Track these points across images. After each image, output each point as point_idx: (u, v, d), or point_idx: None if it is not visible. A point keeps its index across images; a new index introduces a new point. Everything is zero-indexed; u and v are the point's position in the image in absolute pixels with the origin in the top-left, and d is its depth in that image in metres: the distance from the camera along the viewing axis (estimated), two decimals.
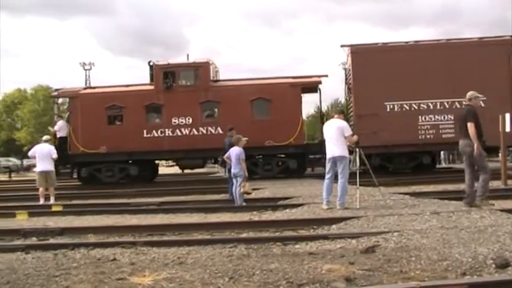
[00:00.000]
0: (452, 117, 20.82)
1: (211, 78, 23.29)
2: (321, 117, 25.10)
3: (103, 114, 23.06)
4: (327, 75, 23.89)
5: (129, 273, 6.68)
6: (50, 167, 17.16)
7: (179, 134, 22.58)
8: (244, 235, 9.52)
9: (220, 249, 8.00)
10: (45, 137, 17.80)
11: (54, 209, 15.02)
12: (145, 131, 22.60)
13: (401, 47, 22.67)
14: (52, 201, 16.68)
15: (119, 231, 10.41)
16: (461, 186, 15.76)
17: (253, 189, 15.51)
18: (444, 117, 21.50)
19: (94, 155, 22.85)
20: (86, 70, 57.50)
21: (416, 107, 21.71)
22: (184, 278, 6.28)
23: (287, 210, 12.62)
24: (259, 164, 22.80)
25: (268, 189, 17.76)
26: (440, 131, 21.61)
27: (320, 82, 23.65)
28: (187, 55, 24.27)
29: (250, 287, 5.85)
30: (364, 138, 19.76)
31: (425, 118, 21.63)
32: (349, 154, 12.36)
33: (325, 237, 8.53)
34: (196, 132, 22.56)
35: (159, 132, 22.78)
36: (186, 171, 28.34)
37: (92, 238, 9.90)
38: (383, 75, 21.49)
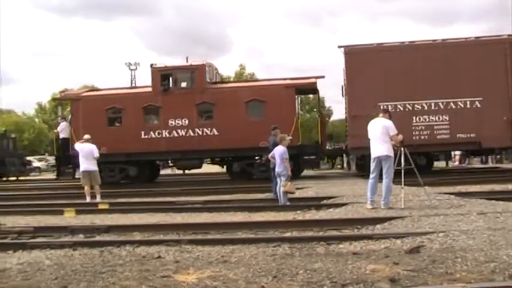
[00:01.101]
0: (448, 118, 20.67)
1: (208, 81, 23.51)
2: (320, 118, 25.19)
3: (103, 116, 23.59)
4: (323, 77, 24.07)
5: (173, 271, 6.75)
6: (92, 166, 17.39)
7: (176, 135, 22.93)
8: (288, 234, 9.52)
9: (264, 248, 8.02)
10: (86, 136, 17.98)
11: (100, 207, 15.24)
12: (143, 132, 23.06)
13: (395, 47, 22.41)
14: (98, 199, 16.93)
15: (163, 229, 10.52)
16: (510, 187, 15.55)
17: (297, 189, 15.50)
18: (439, 118, 21.17)
19: None
20: (131, 70, 58.23)
21: (410, 108, 21.45)
22: (228, 277, 6.32)
23: (331, 209, 12.59)
24: (255, 165, 22.95)
25: (312, 188, 17.72)
26: (435, 132, 21.29)
27: (314, 83, 23.77)
28: (187, 58, 24.49)
29: (294, 286, 5.85)
30: (357, 140, 20.24)
31: (419, 119, 21.35)
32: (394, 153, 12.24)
33: (369, 237, 8.49)
34: (192, 134, 22.88)
35: (156, 133, 23.19)
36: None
37: (137, 236, 10.02)
38: (377, 75, 21.38)
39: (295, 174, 21.91)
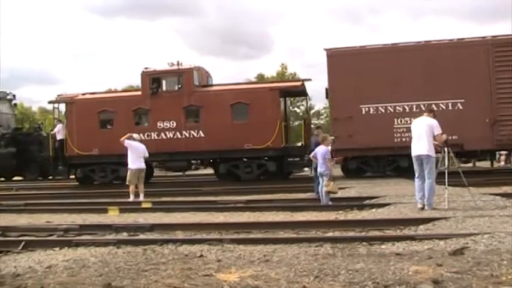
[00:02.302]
0: None
1: (197, 84, 23.93)
2: (307, 120, 25.43)
3: (95, 118, 24.22)
4: (310, 79, 24.32)
5: (215, 270, 6.80)
6: (144, 165, 17.68)
7: (164, 137, 23.37)
8: (329, 234, 9.49)
9: (306, 248, 8.02)
10: (135, 135, 18.26)
11: (144, 205, 15.43)
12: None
13: (377, 49, 22.24)
14: (142, 198, 17.13)
15: (206, 228, 10.60)
16: None
17: (340, 188, 15.43)
18: None
19: (87, 156, 24.12)
20: None
21: (392, 110, 21.25)
22: (269, 276, 6.33)
23: (373, 209, 12.52)
24: (240, 167, 23.14)
25: (355, 188, 17.61)
26: None
27: (298, 86, 23.95)
28: (178, 62, 24.84)
29: (336, 286, 5.84)
30: (339, 142, 20.92)
31: (401, 121, 21.11)
32: (437, 153, 12.09)
33: (412, 238, 8.41)
34: (180, 136, 23.30)
35: (145, 135, 23.36)
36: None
37: (180, 234, 10.12)
38: (359, 78, 21.23)
39: (280, 176, 22.76)
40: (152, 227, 10.82)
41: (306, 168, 24.93)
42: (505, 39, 20.98)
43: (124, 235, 10.35)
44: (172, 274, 6.67)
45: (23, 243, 9.59)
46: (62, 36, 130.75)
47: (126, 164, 22.42)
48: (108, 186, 23.42)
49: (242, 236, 9.64)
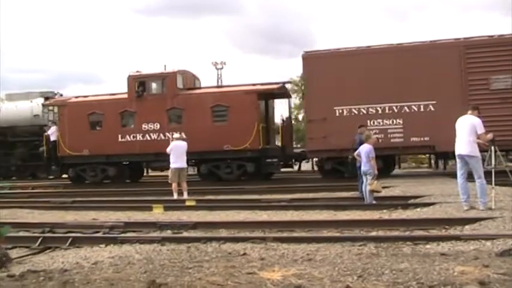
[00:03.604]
0: (401, 122, 20.62)
1: (181, 87, 24.56)
2: (286, 121, 25.54)
3: (86, 120, 25.21)
4: (290, 82, 25.29)
5: (258, 268, 6.82)
6: (185, 164, 17.84)
7: (149, 138, 24.24)
8: (373, 233, 9.44)
9: (349, 247, 7.98)
10: (176, 135, 18.46)
11: (187, 203, 15.55)
12: (120, 136, 24.51)
13: (351, 52, 22.22)
14: (185, 196, 17.26)
15: (249, 226, 10.62)
16: None
17: (384, 187, 15.30)
18: (393, 122, 21.04)
19: (78, 157, 25.19)
20: (217, 69, 58.93)
21: (365, 112, 21.26)
22: (312, 275, 6.32)
23: (418, 209, 12.39)
24: (221, 167, 23.55)
25: (399, 187, 17.43)
26: (389, 136, 21.10)
27: (275, 89, 24.26)
28: (165, 66, 26.26)
29: (379, 286, 5.79)
30: (314, 143, 21.68)
31: (373, 122, 21.15)
32: (482, 152, 11.85)
33: (457, 238, 8.29)
34: (163, 137, 23.89)
35: (131, 136, 24.54)
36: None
37: (223, 233, 10.18)
38: (333, 80, 21.46)
39: (258, 176, 23.07)
40: (196, 225, 10.90)
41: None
42: (477, 41, 20.95)
43: (168, 233, 10.47)
44: (216, 272, 6.71)
45: (70, 240, 9.81)
46: (106, 36, 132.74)
47: (107, 165, 24.15)
48: (153, 185, 23.72)
49: (285, 234, 9.64)
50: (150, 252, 8.33)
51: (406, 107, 20.82)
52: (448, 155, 22.54)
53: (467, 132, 11.61)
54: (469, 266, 6.42)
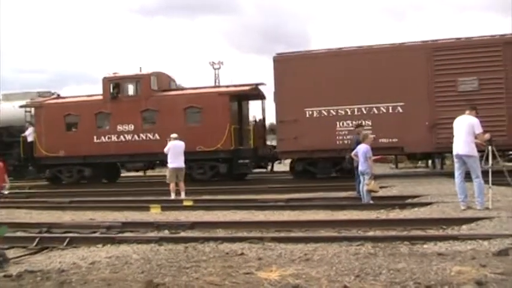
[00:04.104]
0: (370, 123, 20.73)
1: (156, 89, 24.86)
2: (259, 122, 26.00)
3: (62, 122, 25.56)
4: (264, 83, 25.21)
5: (256, 268, 6.82)
6: (182, 164, 17.82)
7: (123, 139, 24.54)
8: (371, 233, 9.44)
9: (347, 247, 7.99)
10: (173, 135, 18.44)
11: (185, 203, 15.55)
12: (95, 137, 24.85)
13: (321, 54, 22.44)
14: (183, 196, 17.25)
15: (247, 226, 10.63)
16: None
17: (381, 187, 15.32)
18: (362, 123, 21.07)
19: (54, 158, 25.51)
20: (215, 69, 58.97)
21: (334, 113, 21.50)
22: (310, 275, 6.33)
23: (415, 208, 12.39)
24: (194, 168, 23.51)
25: (396, 187, 17.46)
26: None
27: (246, 91, 24.56)
28: (140, 68, 26.53)
29: (377, 286, 5.80)
30: (285, 144, 21.95)
31: (343, 124, 21.41)
32: (480, 152, 11.86)
33: (455, 238, 8.30)
34: (137, 138, 24.39)
35: (106, 137, 24.90)
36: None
37: (221, 233, 10.19)
38: (303, 82, 21.63)
39: (229, 177, 23.35)
40: (193, 225, 10.91)
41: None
42: (444, 43, 21.15)
43: (166, 233, 10.48)
44: (213, 272, 6.72)
45: (67, 240, 9.82)
46: (104, 36, 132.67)
47: (83, 165, 24.48)
48: (150, 185, 23.75)
49: (283, 234, 9.64)
50: (148, 252, 8.33)
51: (374, 109, 21.01)
52: (416, 156, 23.05)
53: (465, 132, 11.61)
54: (466, 265, 6.43)
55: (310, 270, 6.54)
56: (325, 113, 21.57)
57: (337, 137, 21.38)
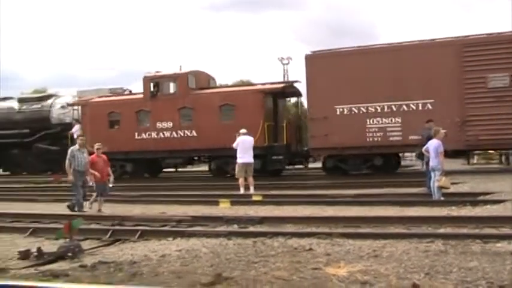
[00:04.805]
0: (400, 120, 20.74)
1: (194, 87, 25.47)
2: (291, 120, 26.31)
3: (105, 119, 26.73)
4: (299, 81, 25.53)
5: (324, 264, 6.82)
6: (251, 159, 17.94)
7: (162, 136, 25.26)
8: (441, 230, 9.27)
9: (417, 244, 7.88)
10: (242, 130, 18.61)
11: (254, 198, 15.65)
12: (136, 134, 25.57)
13: (351, 51, 22.63)
14: (252, 191, 17.36)
15: (315, 221, 10.62)
16: None
17: (452, 184, 15.00)
18: (391, 120, 21.24)
19: None
20: (283, 64, 58.96)
21: (364, 110, 21.60)
22: (379, 271, 6.29)
23: (487, 206, 12.11)
24: (230, 164, 23.49)
25: (468, 183, 17.09)
26: (388, 134, 21.26)
27: (279, 89, 24.94)
28: (180, 67, 27.17)
29: (447, 284, 5.71)
30: (316, 141, 22.32)
31: (373, 121, 21.42)
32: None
33: None
34: (175, 135, 25.07)
35: (146, 134, 25.69)
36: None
37: (289, 228, 10.20)
38: (334, 80, 21.87)
39: (263, 173, 23.25)
40: (262, 220, 10.97)
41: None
42: (474, 39, 20.83)
43: (235, 227, 10.57)
44: (281, 267, 6.75)
45: (139, 233, 10.03)
46: (174, 33, 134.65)
47: (125, 161, 25.02)
48: (220, 180, 24.02)
49: (351, 230, 9.58)
50: (217, 246, 8.44)
51: (404, 106, 21.01)
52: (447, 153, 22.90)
53: None
54: None
55: (378, 267, 6.49)
56: (355, 111, 21.74)
57: (367, 134, 21.55)
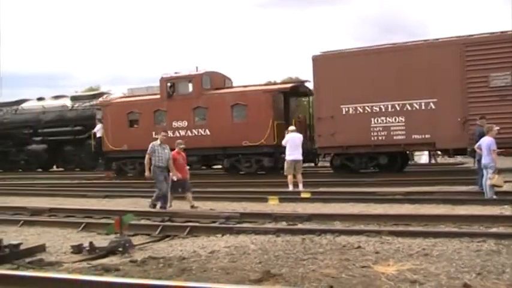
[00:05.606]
0: (403, 119, 20.94)
1: (208, 87, 25.99)
2: (300, 119, 26.04)
3: (125, 118, 27.54)
4: (309, 81, 25.25)
5: (373, 262, 6.78)
6: (300, 156, 17.92)
7: (178, 135, 25.31)
8: (494, 229, 9.11)
9: (468, 243, 7.76)
10: (291, 127, 18.68)
11: (302, 195, 15.64)
12: (154, 133, 25.29)
13: (356, 52, 22.87)
14: (301, 188, 17.33)
15: (364, 219, 10.56)
16: None
17: (505, 182, 14.68)
18: (395, 120, 21.17)
19: (119, 152, 27.47)
20: None
21: (369, 110, 21.69)
22: (428, 270, 6.22)
23: None
24: (241, 162, 25.15)
25: None
26: (392, 133, 21.20)
27: (288, 88, 25.45)
28: (196, 67, 27.49)
29: (500, 285, 5.61)
30: (323, 140, 22.55)
31: (377, 120, 21.51)
32: None
33: None
34: (190, 134, 25.56)
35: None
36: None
37: (338, 225, 10.16)
38: (340, 80, 21.99)
39: (272, 172, 23.75)
40: (310, 217, 10.95)
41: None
42: (476, 39, 20.56)
43: (283, 224, 10.58)
44: (330, 264, 6.73)
45: (188, 229, 10.13)
46: (228, 31, 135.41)
47: (144, 159, 24.81)
48: (269, 176, 24.10)
49: (401, 228, 9.49)
50: (265, 243, 8.46)
51: (407, 105, 21.00)
52: (449, 152, 22.95)
53: None
54: None
55: (428, 266, 6.42)
56: (361, 110, 21.82)
57: (372, 133, 21.60)
